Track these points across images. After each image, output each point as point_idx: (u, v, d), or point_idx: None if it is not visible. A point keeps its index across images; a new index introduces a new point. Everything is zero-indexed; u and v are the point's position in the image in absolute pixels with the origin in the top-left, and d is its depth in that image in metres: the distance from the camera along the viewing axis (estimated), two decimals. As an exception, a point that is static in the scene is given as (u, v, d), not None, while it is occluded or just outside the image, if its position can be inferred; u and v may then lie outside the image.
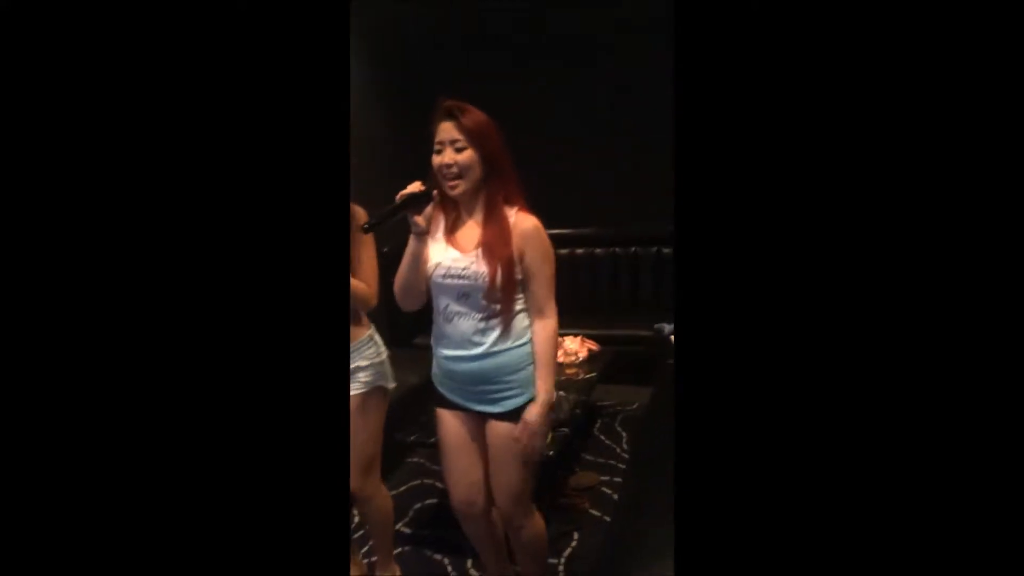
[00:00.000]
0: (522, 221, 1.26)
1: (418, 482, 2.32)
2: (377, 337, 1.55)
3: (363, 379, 1.49)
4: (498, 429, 1.33)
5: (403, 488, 2.27)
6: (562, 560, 1.81)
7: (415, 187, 1.22)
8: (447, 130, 1.22)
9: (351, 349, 1.48)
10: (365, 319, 1.53)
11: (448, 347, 1.32)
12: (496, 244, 1.24)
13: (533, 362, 1.31)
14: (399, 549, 1.89)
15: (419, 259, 1.27)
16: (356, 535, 1.93)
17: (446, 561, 1.85)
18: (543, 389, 1.29)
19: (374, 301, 1.47)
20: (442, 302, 1.30)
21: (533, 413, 1.28)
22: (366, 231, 1.21)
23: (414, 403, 2.36)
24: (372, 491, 1.56)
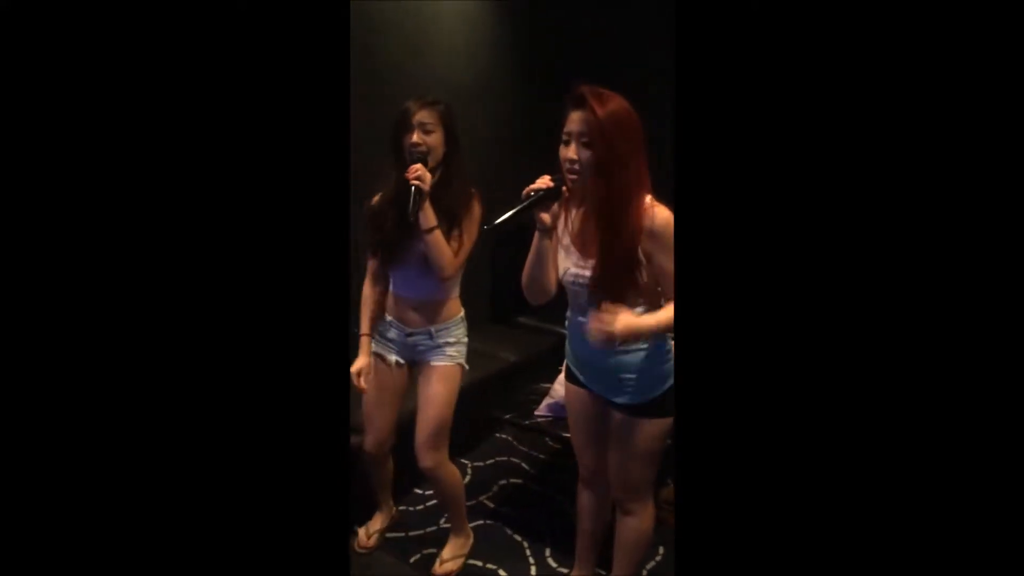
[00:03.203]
0: (654, 217, 1.13)
1: (505, 459, 2.32)
2: (464, 320, 1.62)
3: (450, 353, 1.58)
4: (617, 418, 1.31)
5: (489, 461, 2.29)
6: (644, 573, 1.73)
7: (543, 183, 1.15)
8: (574, 121, 1.13)
9: (444, 325, 1.57)
10: (459, 304, 1.61)
11: (573, 337, 1.34)
12: (615, 250, 1.14)
13: (662, 362, 1.25)
14: (480, 521, 1.91)
15: (544, 257, 1.22)
16: (431, 503, 1.98)
17: (525, 544, 1.83)
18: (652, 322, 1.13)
19: (450, 271, 1.48)
20: (571, 300, 1.31)
21: (619, 322, 1.12)
22: (486, 230, 1.20)
23: (511, 381, 2.36)
24: (440, 467, 1.60)
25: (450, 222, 1.48)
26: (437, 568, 1.68)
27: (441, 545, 1.74)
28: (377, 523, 1.81)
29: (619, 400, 1.28)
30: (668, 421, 1.28)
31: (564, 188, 1.15)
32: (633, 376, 1.25)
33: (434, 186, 1.43)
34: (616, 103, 1.12)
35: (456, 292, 1.59)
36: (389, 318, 1.60)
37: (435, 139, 1.45)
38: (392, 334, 1.60)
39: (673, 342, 1.28)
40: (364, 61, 2.03)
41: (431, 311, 1.56)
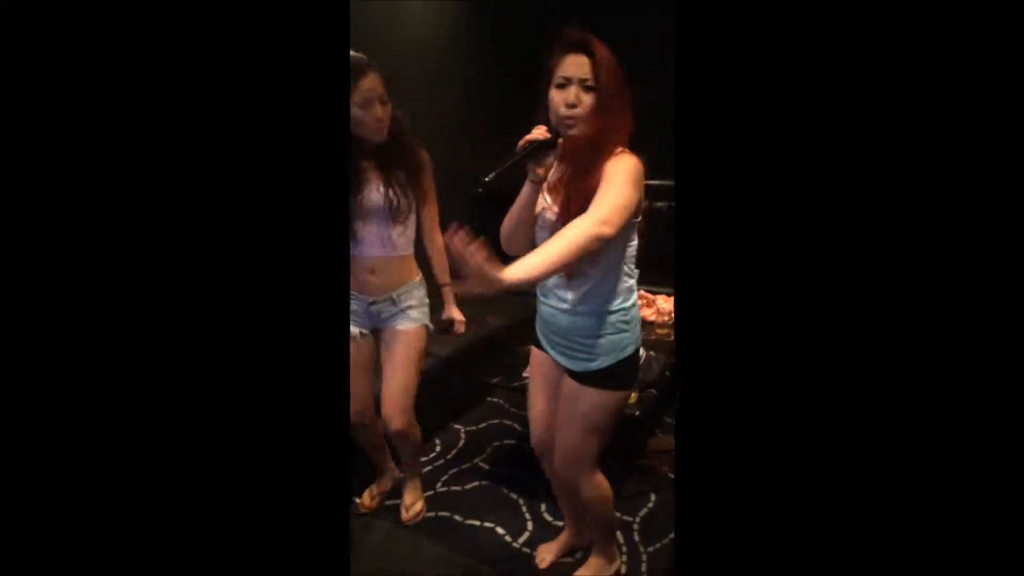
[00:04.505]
0: (616, 156, 1.10)
1: (497, 421, 2.37)
2: (423, 283, 1.66)
3: (413, 316, 1.61)
4: (567, 384, 1.29)
5: (483, 425, 2.33)
6: (637, 519, 1.79)
7: (539, 133, 1.09)
8: (577, 65, 1.08)
9: (405, 288, 1.59)
10: (415, 266, 1.63)
11: (541, 292, 1.29)
12: (580, 195, 1.10)
13: (616, 332, 1.21)
14: (476, 483, 1.95)
15: (530, 208, 1.18)
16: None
17: (521, 502, 1.89)
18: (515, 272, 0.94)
19: (443, 242, 1.59)
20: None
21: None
22: (482, 187, 1.17)
23: (498, 345, 2.38)
24: (410, 427, 1.65)
25: (414, 187, 1.52)
26: (404, 515, 1.77)
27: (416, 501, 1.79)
28: (379, 486, 1.86)
29: (570, 366, 1.25)
30: (619, 395, 1.25)
31: (559, 139, 1.11)
32: (589, 342, 1.21)
33: (391, 155, 1.47)
34: (607, 49, 1.11)
35: (411, 251, 1.60)
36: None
37: (390, 109, 1.44)
38: (354, 306, 1.58)
39: (636, 311, 1.25)
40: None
41: (390, 273, 1.55)
